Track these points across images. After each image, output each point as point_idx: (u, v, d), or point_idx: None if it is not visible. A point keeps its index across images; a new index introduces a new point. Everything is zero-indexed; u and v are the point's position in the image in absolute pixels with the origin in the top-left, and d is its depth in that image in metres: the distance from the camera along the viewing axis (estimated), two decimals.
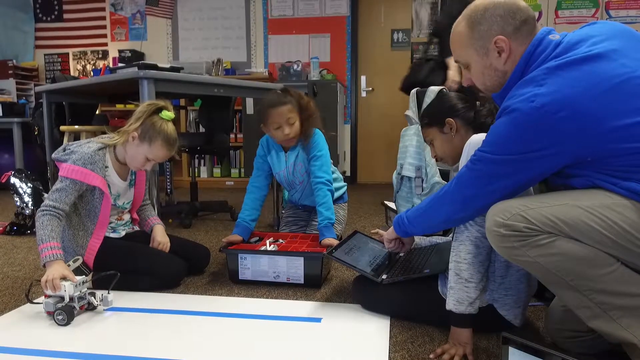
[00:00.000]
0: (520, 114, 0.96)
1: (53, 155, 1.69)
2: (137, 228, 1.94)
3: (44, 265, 1.49)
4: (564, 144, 0.95)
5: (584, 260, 0.93)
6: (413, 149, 2.12)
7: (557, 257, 0.94)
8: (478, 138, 1.19)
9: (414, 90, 2.17)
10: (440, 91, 2.04)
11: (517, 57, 1.08)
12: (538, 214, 0.96)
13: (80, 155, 1.62)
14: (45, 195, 2.84)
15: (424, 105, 2.10)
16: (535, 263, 0.97)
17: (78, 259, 1.59)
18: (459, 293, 1.18)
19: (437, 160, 1.54)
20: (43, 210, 1.56)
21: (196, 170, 5.03)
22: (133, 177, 1.85)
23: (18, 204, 2.82)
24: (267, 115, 2.05)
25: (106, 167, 1.70)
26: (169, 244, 1.85)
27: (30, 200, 2.82)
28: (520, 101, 0.97)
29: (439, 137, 1.48)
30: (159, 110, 1.72)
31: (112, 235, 1.81)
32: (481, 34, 1.10)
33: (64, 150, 1.69)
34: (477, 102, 1.42)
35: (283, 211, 2.47)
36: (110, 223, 1.79)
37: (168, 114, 1.72)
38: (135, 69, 2.24)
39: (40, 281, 1.45)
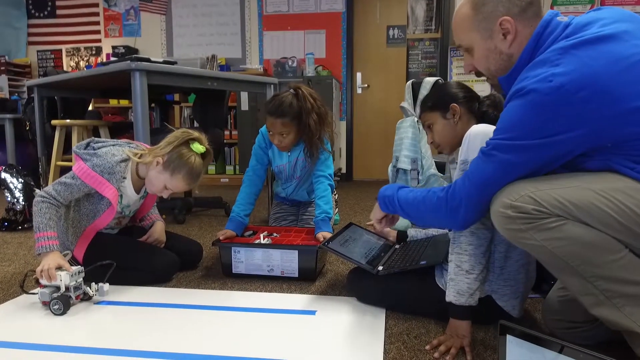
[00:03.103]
0: (539, 95, 0.91)
1: (74, 148, 1.62)
2: (128, 223, 1.91)
3: (39, 254, 1.47)
4: (586, 125, 0.90)
5: (591, 246, 0.90)
6: (408, 141, 2.10)
7: (565, 241, 0.91)
8: (479, 129, 1.16)
9: (409, 82, 2.15)
10: (436, 82, 2.02)
11: (523, 39, 1.05)
12: (548, 196, 0.92)
13: (101, 161, 1.56)
14: (37, 191, 2.81)
15: (420, 97, 2.08)
16: (541, 247, 0.93)
17: (67, 253, 1.57)
18: (459, 284, 1.16)
19: (434, 147, 1.51)
20: (43, 197, 1.52)
21: None
22: (146, 193, 1.80)
23: (9, 199, 2.78)
24: (265, 117, 2.04)
25: (124, 177, 1.64)
26: (163, 244, 1.82)
27: (21, 195, 2.78)
28: (536, 82, 0.92)
29: (439, 122, 1.46)
30: (192, 140, 1.65)
31: (105, 231, 1.77)
32: (485, 15, 1.07)
33: (87, 146, 1.63)
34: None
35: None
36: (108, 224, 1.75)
37: (199, 147, 1.64)
38: (128, 62, 2.21)
39: (36, 271, 1.43)
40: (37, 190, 2.78)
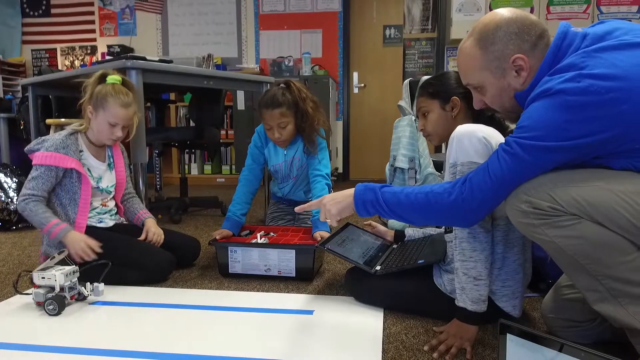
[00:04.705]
0: (566, 96, 0.88)
1: (25, 149, 1.69)
2: (124, 220, 1.90)
3: (61, 240, 1.56)
4: (617, 128, 0.88)
5: (604, 246, 0.89)
6: (406, 140, 2.10)
7: (577, 240, 0.90)
8: (464, 129, 1.14)
9: (406, 81, 2.14)
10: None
11: (535, 74, 1.02)
12: (565, 194, 0.90)
13: (52, 142, 1.64)
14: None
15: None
16: (552, 242, 0.93)
17: (64, 251, 1.55)
18: (472, 293, 1.14)
19: (423, 134, 1.49)
20: (24, 200, 1.55)
21: (186, 167, 4.98)
22: (112, 160, 1.84)
23: (3, 199, 2.76)
24: (260, 113, 2.03)
25: (81, 151, 1.72)
26: (163, 235, 1.82)
27: (15, 195, 2.75)
28: (563, 82, 0.90)
29: (436, 112, 1.44)
30: (103, 78, 1.74)
31: (100, 225, 1.77)
32: (496, 55, 1.04)
33: (37, 142, 1.70)
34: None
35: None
36: (95, 209, 1.76)
37: (113, 77, 1.73)
38: (123, 60, 2.19)
39: (72, 254, 1.54)
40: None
